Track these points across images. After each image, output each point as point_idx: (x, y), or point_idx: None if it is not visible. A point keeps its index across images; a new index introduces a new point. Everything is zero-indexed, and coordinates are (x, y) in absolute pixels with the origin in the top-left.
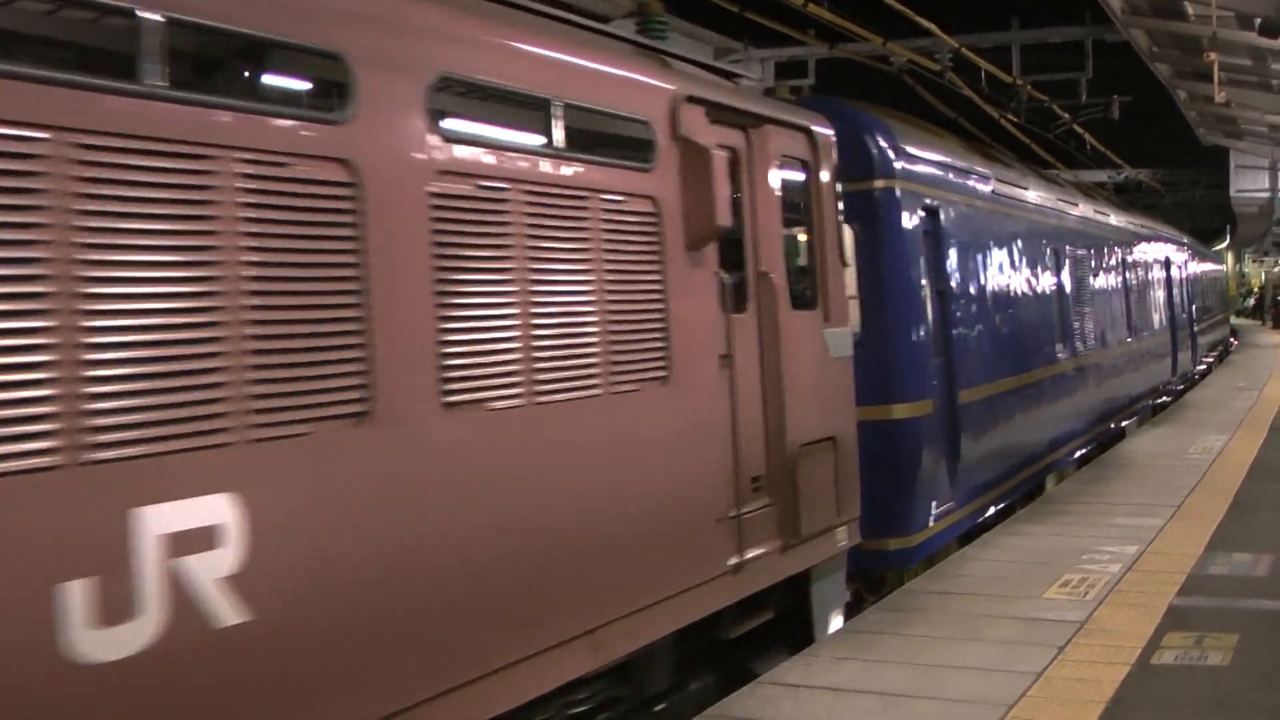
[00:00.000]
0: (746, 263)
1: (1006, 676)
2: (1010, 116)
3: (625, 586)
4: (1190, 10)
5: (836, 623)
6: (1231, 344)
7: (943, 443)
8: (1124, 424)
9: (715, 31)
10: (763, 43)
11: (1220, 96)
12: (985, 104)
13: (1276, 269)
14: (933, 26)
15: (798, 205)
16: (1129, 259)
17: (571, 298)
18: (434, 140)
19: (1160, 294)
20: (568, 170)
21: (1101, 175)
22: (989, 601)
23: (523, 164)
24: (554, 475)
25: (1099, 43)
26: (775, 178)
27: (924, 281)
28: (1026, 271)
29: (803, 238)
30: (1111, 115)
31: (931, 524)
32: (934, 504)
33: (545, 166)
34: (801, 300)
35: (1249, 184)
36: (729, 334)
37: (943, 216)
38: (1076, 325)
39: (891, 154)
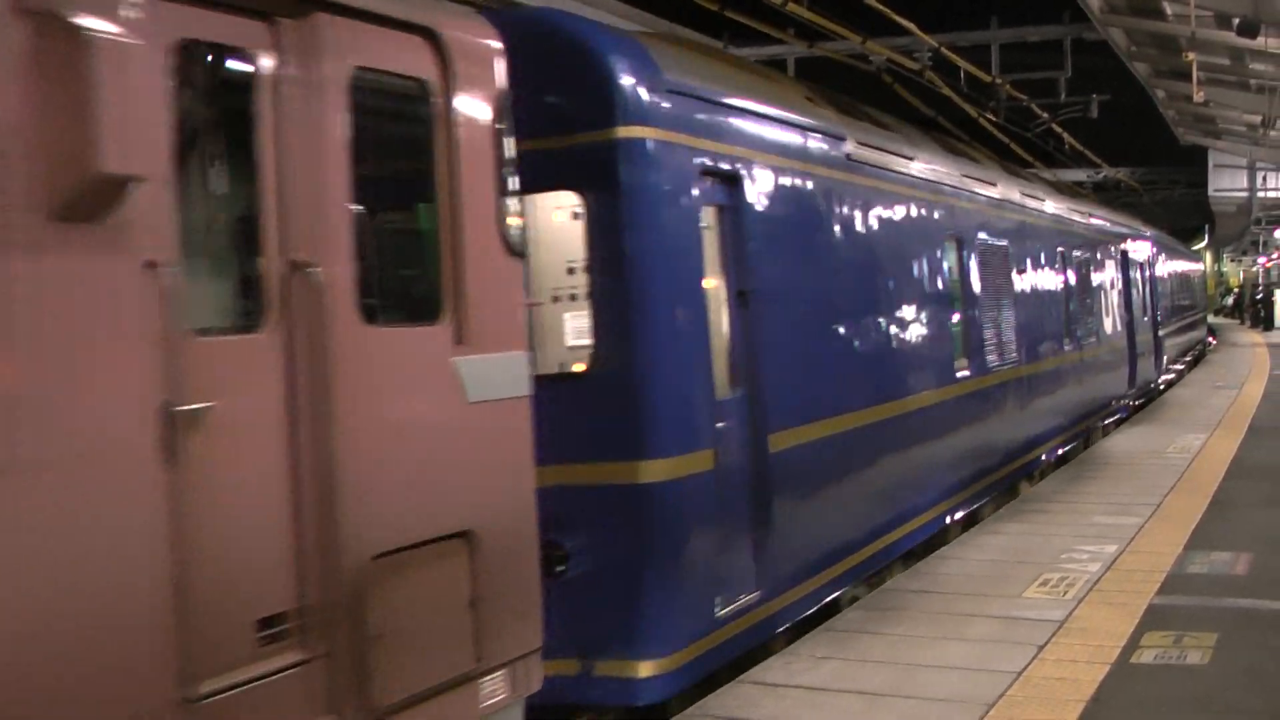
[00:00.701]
0: (263, 246)
1: (986, 675)
2: (989, 115)
3: None
4: (1169, 9)
5: None
6: (1210, 343)
7: (739, 509)
8: (1062, 449)
9: (695, 30)
10: (743, 41)
11: (1199, 96)
12: (964, 103)
13: (1254, 268)
14: (912, 25)
15: (405, 156)
16: (1072, 253)
17: None
18: None
19: (1115, 294)
20: None
21: (1080, 174)
22: (968, 600)
23: None
24: None
25: (1078, 41)
26: (341, 105)
27: (708, 279)
28: (905, 266)
29: (419, 208)
30: (1090, 114)
31: (713, 631)
32: (720, 600)
33: None
34: (402, 310)
35: (1227, 183)
36: (188, 370)
37: (749, 186)
38: (988, 334)
39: (644, 89)
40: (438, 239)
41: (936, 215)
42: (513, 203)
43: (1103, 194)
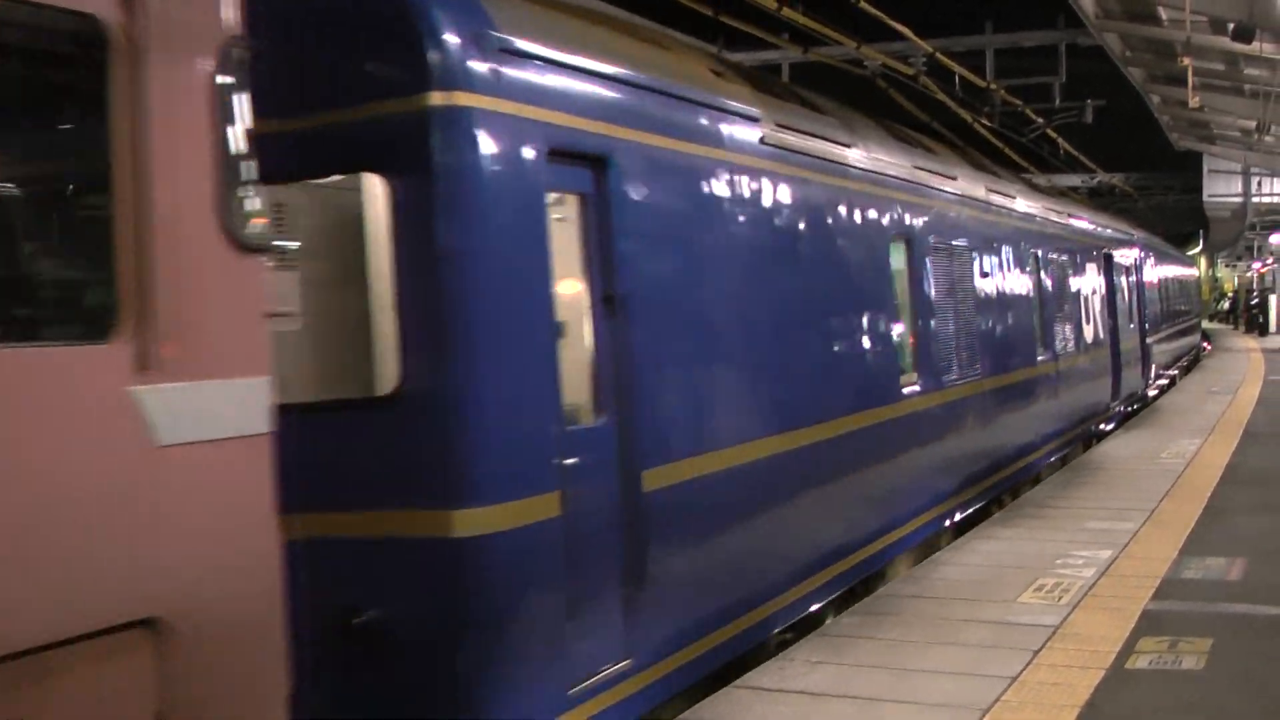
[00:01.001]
0: None
1: (981, 681)
2: (984, 121)
3: None
4: (1164, 15)
5: None
6: (1205, 348)
7: (599, 563)
8: (1038, 466)
9: (689, 35)
10: (737, 47)
11: (1194, 101)
12: (959, 108)
13: (1249, 274)
14: (906, 31)
15: (61, 119)
16: (1048, 256)
17: None
18: None
19: (1097, 300)
20: None
21: (1075, 179)
22: (963, 605)
23: None
24: None
25: (1072, 47)
26: None
27: (562, 281)
28: (836, 269)
29: (83, 189)
30: (1085, 119)
31: (564, 712)
32: (573, 674)
33: None
34: (45, 324)
35: (1222, 188)
36: None
37: (623, 171)
38: (943, 345)
39: (470, 47)
40: (112, 230)
41: (880, 212)
42: (247, 185)
43: (1097, 199)
